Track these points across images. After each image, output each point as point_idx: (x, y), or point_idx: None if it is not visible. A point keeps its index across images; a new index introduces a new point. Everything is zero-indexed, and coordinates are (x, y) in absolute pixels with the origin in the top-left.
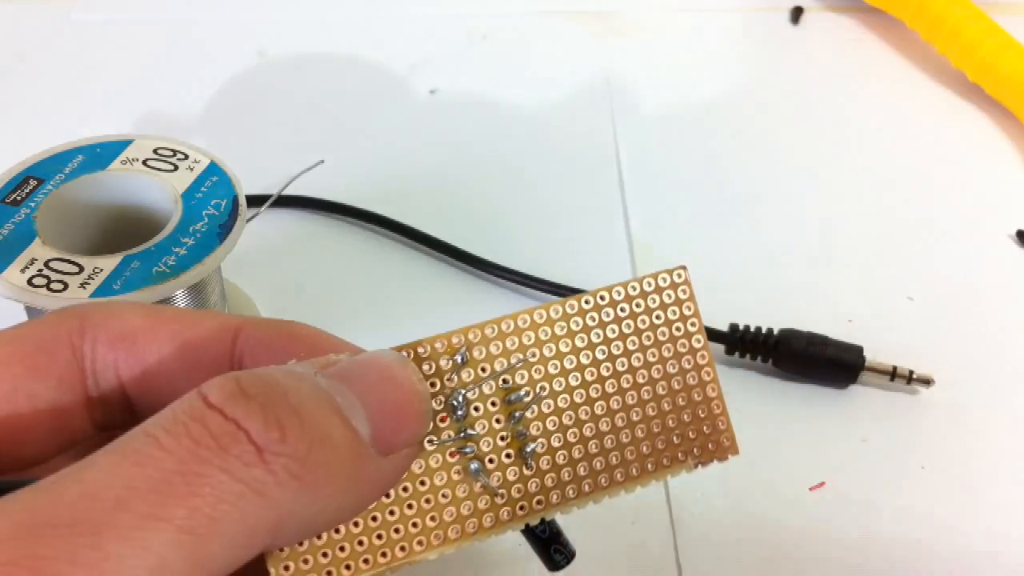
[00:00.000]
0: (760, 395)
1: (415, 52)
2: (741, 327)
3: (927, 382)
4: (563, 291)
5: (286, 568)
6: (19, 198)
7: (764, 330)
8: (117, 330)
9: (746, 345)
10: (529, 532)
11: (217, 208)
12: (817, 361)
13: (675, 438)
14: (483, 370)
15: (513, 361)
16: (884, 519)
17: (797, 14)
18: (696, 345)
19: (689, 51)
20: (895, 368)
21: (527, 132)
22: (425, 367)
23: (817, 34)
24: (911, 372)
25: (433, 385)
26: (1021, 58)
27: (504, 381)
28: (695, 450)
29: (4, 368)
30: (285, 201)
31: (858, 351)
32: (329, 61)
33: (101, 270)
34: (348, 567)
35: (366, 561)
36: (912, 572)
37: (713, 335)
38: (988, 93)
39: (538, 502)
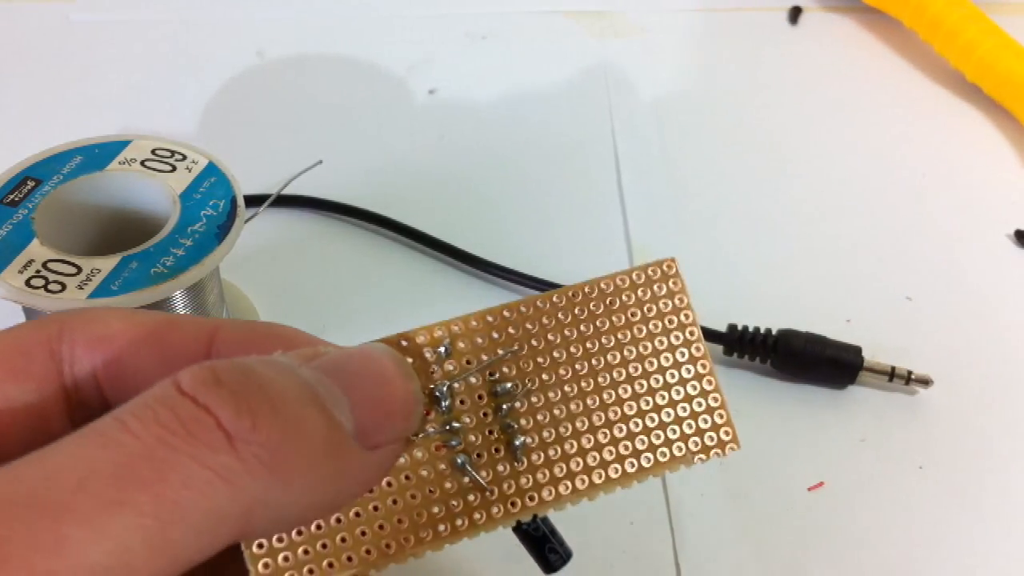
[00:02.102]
0: (759, 395)
1: (415, 52)
2: (739, 327)
3: (926, 382)
4: None
5: (265, 566)
6: (17, 199)
7: (763, 330)
8: (95, 333)
9: (744, 345)
10: (521, 531)
11: (215, 208)
12: (816, 361)
13: (671, 433)
14: (468, 363)
15: (500, 353)
16: (883, 519)
17: (795, 14)
18: (690, 337)
19: (687, 51)
20: (894, 368)
21: (526, 132)
22: (406, 359)
23: (815, 34)
24: (910, 372)
25: (417, 376)
26: (1019, 58)
27: (491, 374)
28: (693, 444)
29: None
30: (284, 201)
31: (856, 351)
32: (328, 61)
33: (99, 271)
34: (331, 564)
35: (349, 558)
36: (911, 572)
37: (711, 335)
38: (986, 93)
39: (530, 498)
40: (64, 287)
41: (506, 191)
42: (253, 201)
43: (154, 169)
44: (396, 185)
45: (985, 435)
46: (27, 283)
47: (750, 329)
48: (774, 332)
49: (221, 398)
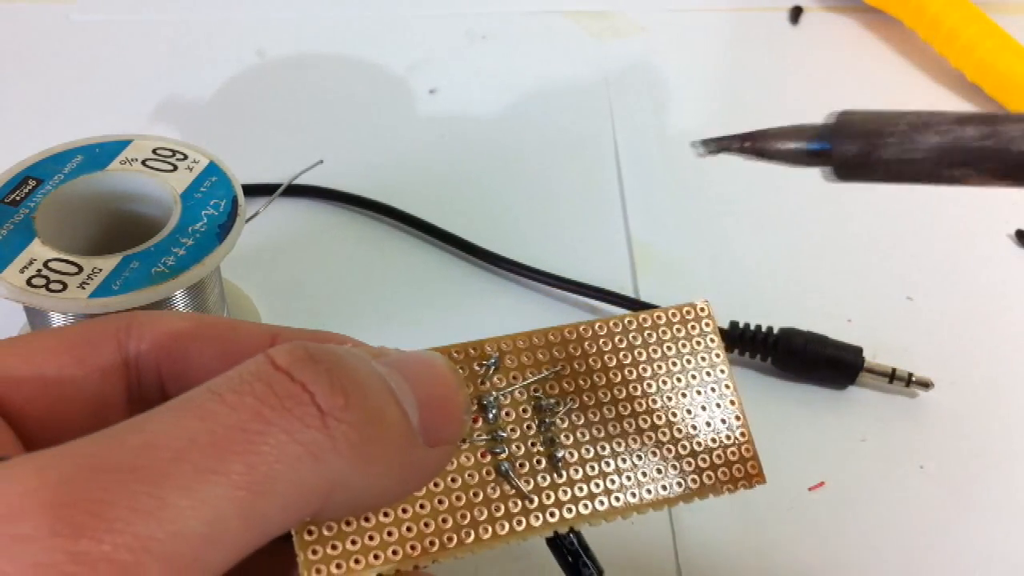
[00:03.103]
0: (759, 395)
1: (415, 52)
2: (741, 324)
3: (926, 385)
4: (566, 285)
5: (314, 552)
6: (18, 198)
7: (764, 328)
8: (162, 330)
9: (746, 343)
10: (556, 544)
11: (216, 208)
12: (816, 360)
13: (701, 462)
14: (515, 378)
15: (545, 372)
16: (883, 519)
17: (796, 14)
18: (720, 375)
19: (688, 51)
20: (894, 370)
21: (526, 131)
22: (458, 368)
23: (816, 34)
24: (910, 375)
25: (467, 386)
26: (1019, 58)
27: (535, 389)
28: (721, 476)
29: (51, 357)
30: (286, 191)
31: (857, 351)
32: (329, 61)
33: (100, 270)
34: (376, 556)
35: (395, 552)
36: (911, 572)
37: None
38: (987, 93)
39: (568, 511)
40: (65, 286)
41: (507, 190)
42: (254, 191)
43: (155, 169)
44: (395, 185)
45: (986, 435)
46: (28, 282)
47: (751, 327)
48: (775, 330)
49: (317, 375)
